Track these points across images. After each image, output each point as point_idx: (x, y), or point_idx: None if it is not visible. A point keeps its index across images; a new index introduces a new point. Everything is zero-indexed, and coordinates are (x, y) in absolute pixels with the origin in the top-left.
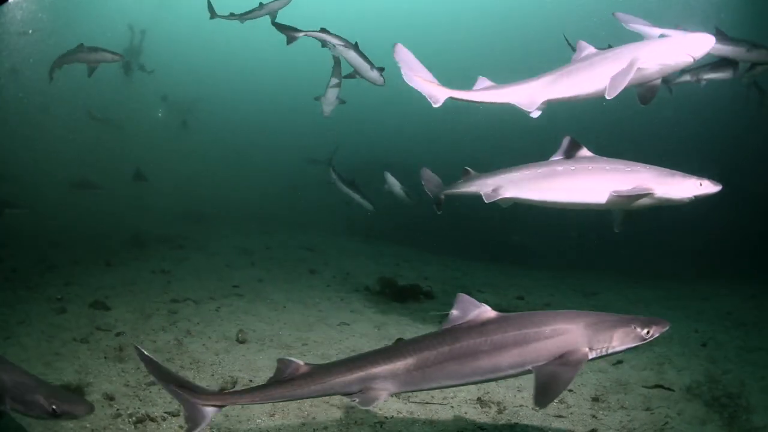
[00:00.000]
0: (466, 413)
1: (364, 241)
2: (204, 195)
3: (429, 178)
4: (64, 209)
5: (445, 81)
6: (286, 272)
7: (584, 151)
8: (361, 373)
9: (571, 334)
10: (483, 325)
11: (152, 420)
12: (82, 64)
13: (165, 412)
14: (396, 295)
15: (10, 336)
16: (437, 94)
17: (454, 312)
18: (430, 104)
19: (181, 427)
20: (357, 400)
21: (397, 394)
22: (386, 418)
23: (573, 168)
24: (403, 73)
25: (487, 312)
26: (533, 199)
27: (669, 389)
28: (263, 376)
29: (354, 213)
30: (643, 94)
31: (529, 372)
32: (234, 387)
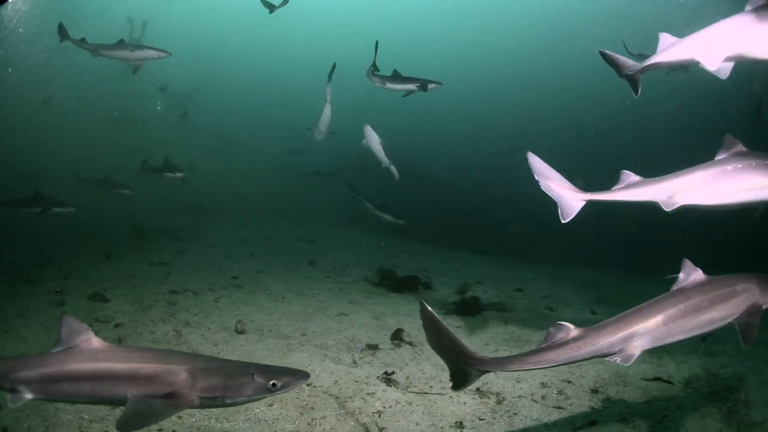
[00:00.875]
0: (464, 403)
1: (364, 233)
2: (203, 188)
3: (545, 172)
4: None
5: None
6: (286, 264)
7: (740, 147)
8: (625, 333)
9: (753, 291)
10: (700, 286)
11: None
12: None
13: None
14: (395, 286)
15: (9, 329)
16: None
17: (681, 275)
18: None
19: (180, 417)
20: (618, 360)
21: (400, 382)
22: (384, 407)
23: (740, 166)
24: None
25: (701, 274)
26: (709, 204)
27: (668, 382)
28: None
29: (364, 212)
30: None
31: (727, 324)
32: None
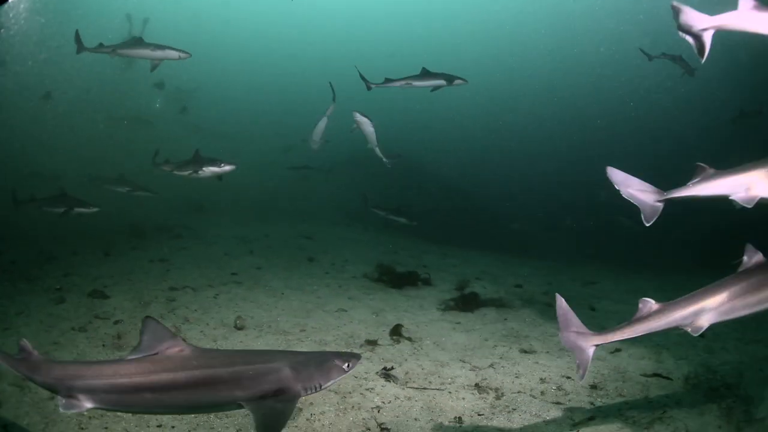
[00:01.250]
0: (463, 399)
1: (363, 230)
2: (203, 186)
3: (625, 181)
4: None
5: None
6: (285, 260)
7: None
8: (695, 307)
9: None
10: (761, 267)
11: None
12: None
13: None
14: (394, 282)
15: (9, 327)
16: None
17: (745, 258)
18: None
19: None
20: (689, 330)
21: (399, 378)
22: (384, 403)
23: None
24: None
25: (761, 257)
26: None
27: (667, 378)
28: None
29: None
30: None
31: None
32: None
